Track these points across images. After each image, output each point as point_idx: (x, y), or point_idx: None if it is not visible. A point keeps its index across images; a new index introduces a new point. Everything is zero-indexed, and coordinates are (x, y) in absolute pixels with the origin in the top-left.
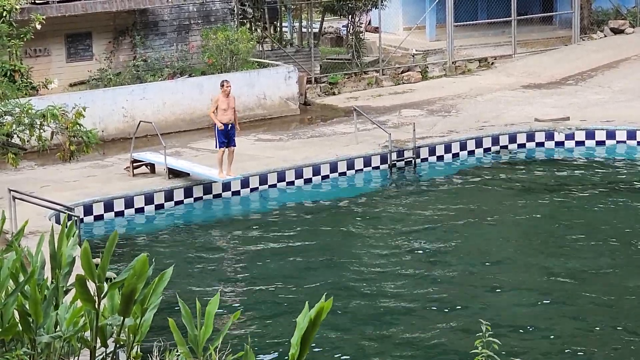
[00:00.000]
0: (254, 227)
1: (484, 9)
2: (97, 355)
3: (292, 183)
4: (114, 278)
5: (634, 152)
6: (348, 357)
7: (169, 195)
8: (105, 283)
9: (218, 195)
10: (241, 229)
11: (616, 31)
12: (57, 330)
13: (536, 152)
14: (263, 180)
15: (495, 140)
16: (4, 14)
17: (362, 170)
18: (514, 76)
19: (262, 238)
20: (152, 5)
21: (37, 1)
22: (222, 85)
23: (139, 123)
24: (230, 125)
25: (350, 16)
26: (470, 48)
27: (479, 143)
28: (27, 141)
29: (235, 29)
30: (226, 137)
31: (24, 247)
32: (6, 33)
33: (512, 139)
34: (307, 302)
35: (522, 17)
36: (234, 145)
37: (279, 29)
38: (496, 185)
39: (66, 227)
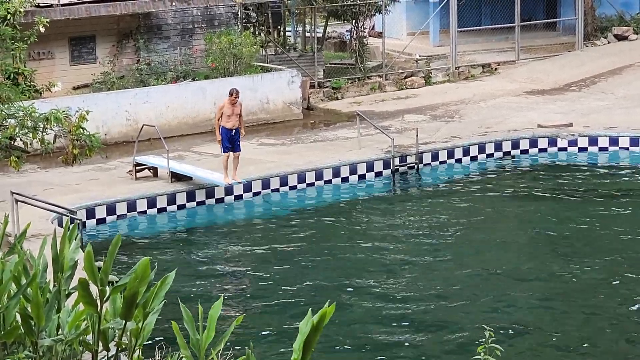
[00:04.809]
0: (257, 232)
1: (487, 15)
2: (99, 358)
3: (294, 187)
4: (116, 281)
5: (637, 159)
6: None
7: (171, 199)
8: (107, 286)
9: (221, 200)
10: (244, 233)
11: (620, 37)
12: (59, 333)
13: (539, 158)
14: (266, 184)
15: (498, 145)
16: (8, 17)
17: (364, 175)
18: (517, 82)
19: (265, 242)
20: (156, 9)
21: (41, 4)
22: (230, 94)
23: (142, 126)
24: (234, 130)
25: (354, 21)
26: (474, 54)
27: (481, 148)
28: (30, 144)
29: (239, 33)
30: (230, 142)
31: (27, 250)
32: (10, 36)
33: (515, 144)
34: (309, 308)
35: (526, 22)
36: (239, 151)
37: (282, 33)
38: (499, 190)
39: (68, 230)
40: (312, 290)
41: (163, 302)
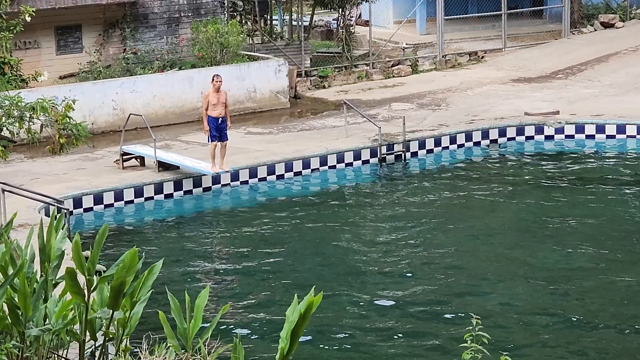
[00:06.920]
0: (244, 221)
1: (474, 3)
2: (86, 348)
3: (281, 176)
4: (104, 271)
5: (623, 146)
6: (336, 349)
7: (158, 188)
8: (94, 276)
9: (208, 189)
10: (231, 222)
11: (606, 25)
12: (46, 323)
13: (526, 146)
14: (253, 173)
15: (485, 134)
16: None
17: (352, 163)
18: (504, 70)
19: (252, 231)
20: None
21: None
22: (212, 80)
23: (129, 116)
24: (221, 119)
25: (340, 9)
26: (461, 42)
27: (468, 137)
28: (17, 134)
29: (226, 22)
30: (217, 131)
31: (14, 240)
32: None
33: (502, 132)
34: (295, 295)
35: (513, 11)
36: (226, 140)
37: (269, 22)
38: (486, 179)
39: (55, 219)
40: (300, 279)
41: (150, 291)
